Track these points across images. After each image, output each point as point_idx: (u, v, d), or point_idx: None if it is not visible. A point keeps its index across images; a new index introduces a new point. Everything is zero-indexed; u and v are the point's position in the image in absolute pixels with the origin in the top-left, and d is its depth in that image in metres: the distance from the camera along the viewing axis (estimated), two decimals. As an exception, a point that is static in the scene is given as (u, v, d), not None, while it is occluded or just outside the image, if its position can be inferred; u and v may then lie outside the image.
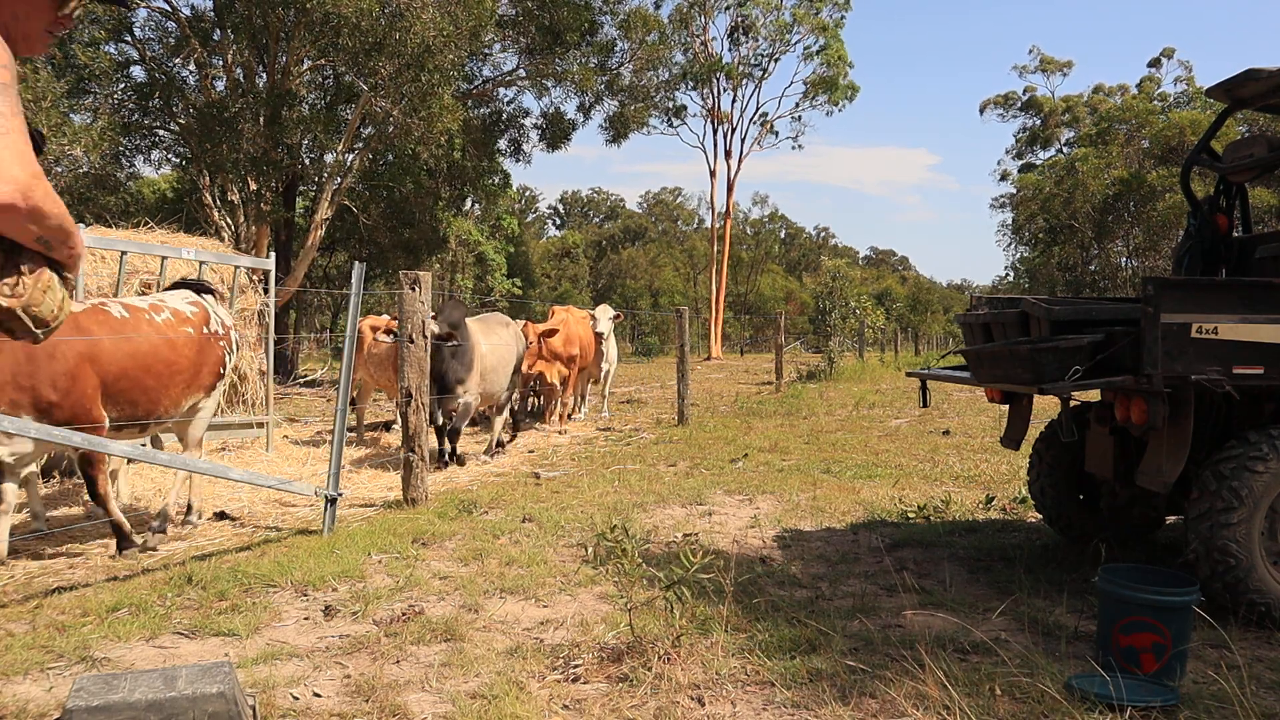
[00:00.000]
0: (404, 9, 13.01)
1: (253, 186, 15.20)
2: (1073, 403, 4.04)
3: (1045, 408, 6.84)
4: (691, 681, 2.73)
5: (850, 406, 11.78)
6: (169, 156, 17.22)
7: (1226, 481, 3.18)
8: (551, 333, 9.06)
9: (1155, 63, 43.62)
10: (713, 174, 34.28)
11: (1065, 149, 43.31)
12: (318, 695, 2.69)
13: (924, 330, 48.11)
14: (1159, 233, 32.62)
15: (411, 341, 5.42)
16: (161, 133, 16.35)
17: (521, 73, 19.49)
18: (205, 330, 4.92)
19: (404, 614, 3.37)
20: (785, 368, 15.80)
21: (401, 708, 2.57)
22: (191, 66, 15.58)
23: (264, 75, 15.18)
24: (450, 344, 6.55)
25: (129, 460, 5.81)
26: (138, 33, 15.88)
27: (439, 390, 6.75)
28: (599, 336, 10.32)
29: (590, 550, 4.01)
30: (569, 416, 10.45)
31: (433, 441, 6.67)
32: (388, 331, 7.20)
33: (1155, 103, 38.28)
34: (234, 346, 5.23)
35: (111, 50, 15.33)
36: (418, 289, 5.45)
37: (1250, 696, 2.48)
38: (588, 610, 3.47)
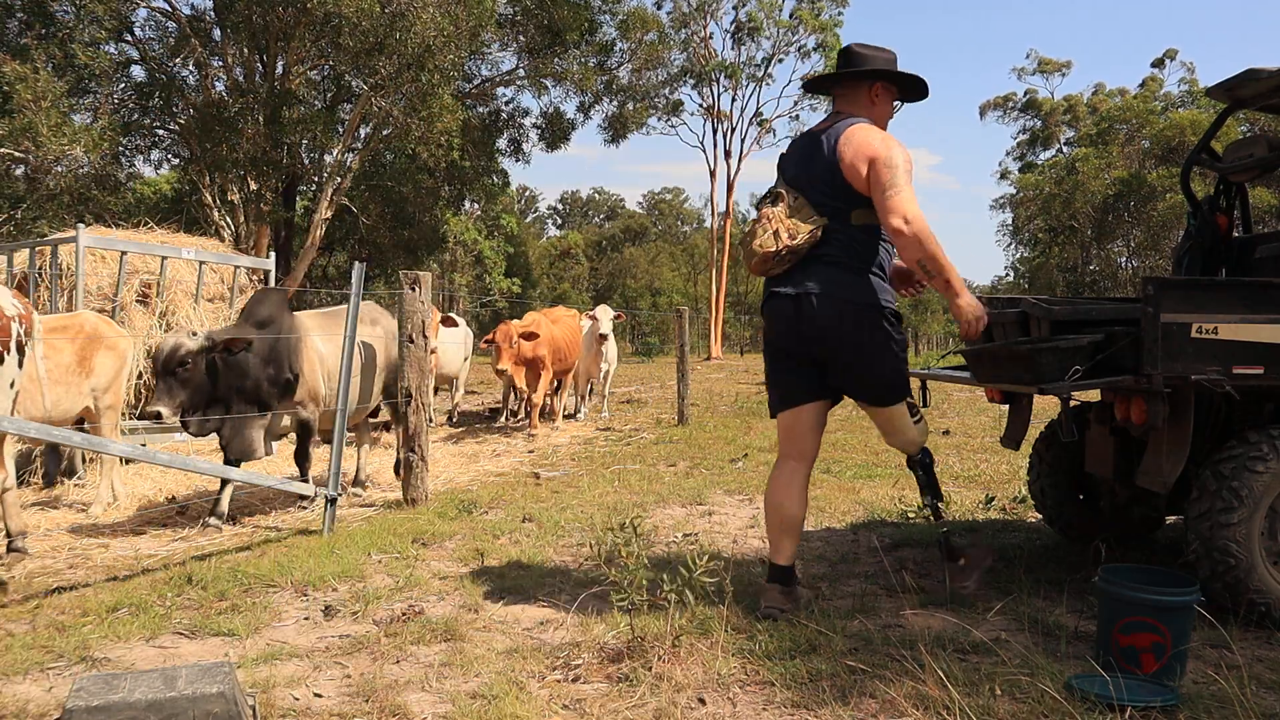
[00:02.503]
0: (405, 9, 13.01)
1: (252, 186, 15.19)
2: (1073, 403, 4.04)
3: (1045, 408, 6.84)
4: (691, 681, 2.73)
5: (850, 406, 11.75)
6: (168, 157, 17.22)
7: (1226, 481, 3.18)
8: (530, 335, 8.81)
9: (1159, 63, 43.64)
10: (712, 174, 34.28)
11: (1065, 149, 43.31)
12: (318, 695, 2.69)
13: (924, 330, 48.12)
14: (1159, 233, 32.62)
15: (411, 341, 5.42)
16: (161, 132, 16.34)
17: (521, 72, 19.49)
18: None
19: (404, 614, 3.37)
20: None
21: (401, 708, 2.57)
22: (191, 66, 15.58)
23: (263, 75, 15.18)
24: (238, 352, 4.92)
25: (126, 461, 5.82)
26: (138, 32, 15.89)
27: (255, 407, 5.15)
28: (601, 337, 10.32)
29: (595, 548, 4.01)
30: (557, 416, 10.22)
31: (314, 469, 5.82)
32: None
33: (1156, 103, 38.29)
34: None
35: (112, 50, 15.33)
36: (418, 289, 5.45)
37: (1250, 696, 2.48)
38: (588, 610, 3.47)
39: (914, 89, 3.49)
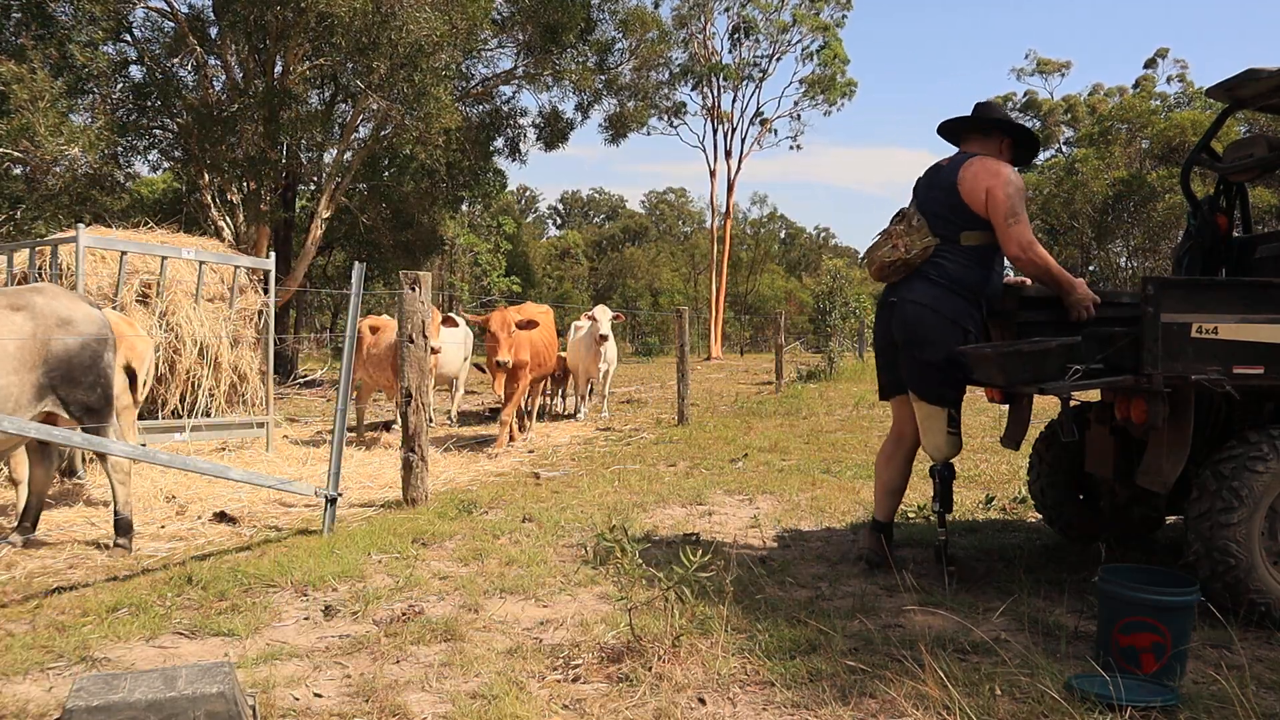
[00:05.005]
0: (396, 9, 13.00)
1: (251, 186, 15.19)
2: (1073, 403, 4.04)
3: (1045, 408, 6.84)
4: (691, 681, 2.73)
5: (850, 406, 11.78)
6: (164, 161, 17.21)
7: (1226, 481, 3.18)
8: (530, 324, 7.94)
9: (1151, 63, 43.67)
10: (713, 174, 34.27)
11: (1065, 149, 43.32)
12: (318, 695, 2.69)
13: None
14: (1159, 233, 32.61)
15: (411, 341, 5.42)
16: (159, 133, 16.34)
17: (519, 71, 19.48)
18: None
19: (404, 614, 3.37)
20: (785, 368, 15.79)
21: (401, 708, 2.57)
22: (190, 66, 15.57)
23: (262, 75, 15.18)
24: None
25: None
26: (136, 33, 15.87)
27: None
28: (601, 338, 10.32)
29: (590, 550, 4.02)
30: (529, 426, 9.20)
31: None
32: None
33: (1155, 103, 38.29)
34: None
35: (109, 50, 15.31)
36: (418, 289, 5.45)
37: (1250, 696, 2.48)
38: (588, 610, 3.47)
39: (1029, 152, 4.05)
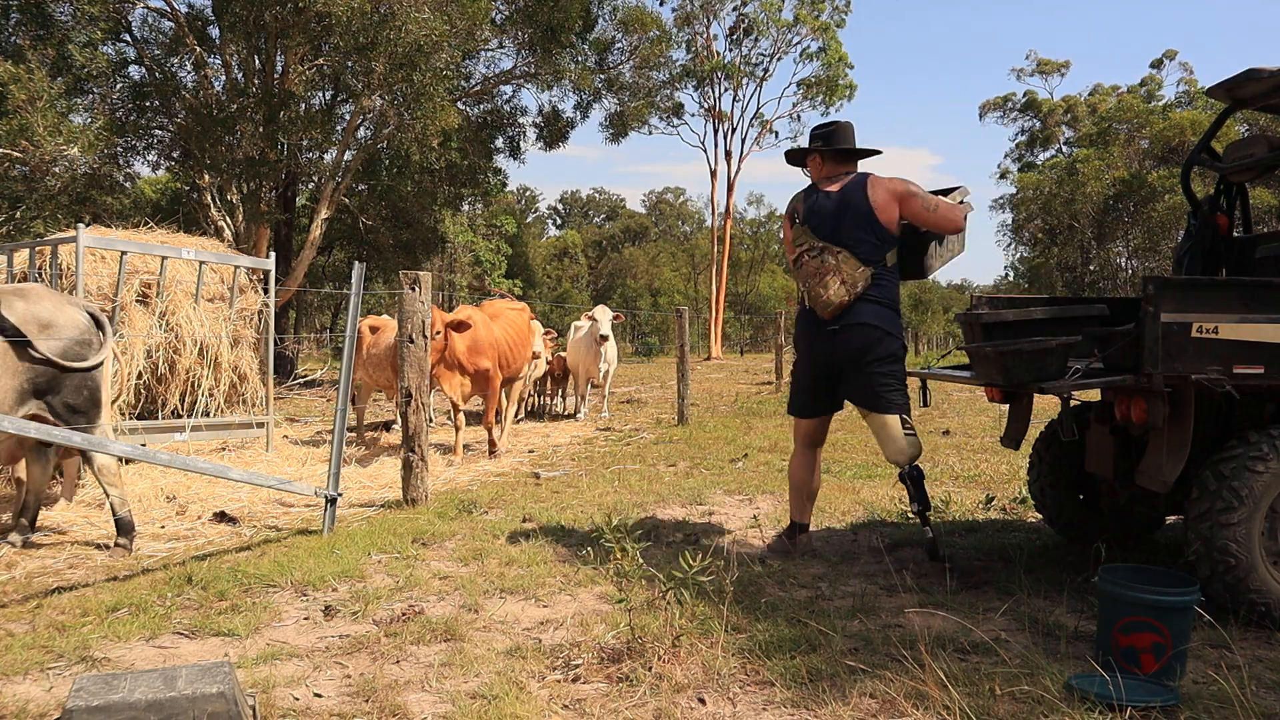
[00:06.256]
0: (395, 9, 13.00)
1: (251, 186, 15.18)
2: (1073, 402, 4.04)
3: (1045, 408, 6.84)
4: (691, 681, 2.73)
5: (850, 406, 11.77)
6: (164, 161, 17.21)
7: (1227, 481, 3.18)
8: (460, 325, 7.05)
9: (1157, 64, 43.68)
10: (713, 174, 34.25)
11: (1064, 149, 43.33)
12: (318, 695, 2.69)
13: (924, 330, 48.13)
14: (1159, 233, 32.63)
15: (411, 341, 5.42)
16: (159, 133, 16.34)
17: (518, 71, 19.47)
18: None
19: (404, 614, 3.37)
20: (785, 368, 15.78)
21: (401, 708, 2.57)
22: (189, 66, 15.57)
23: (262, 75, 15.17)
24: None
25: (126, 461, 5.82)
26: (135, 32, 15.87)
27: None
28: (602, 338, 10.32)
29: (590, 550, 4.02)
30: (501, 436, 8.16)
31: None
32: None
33: (1155, 103, 38.31)
34: None
35: (108, 50, 15.31)
36: (418, 289, 5.45)
37: (1250, 696, 2.48)
38: (588, 610, 3.47)
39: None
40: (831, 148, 4.15)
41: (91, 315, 4.44)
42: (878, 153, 4.22)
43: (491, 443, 7.79)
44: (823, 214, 4.03)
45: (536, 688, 2.72)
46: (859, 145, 4.19)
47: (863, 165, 4.24)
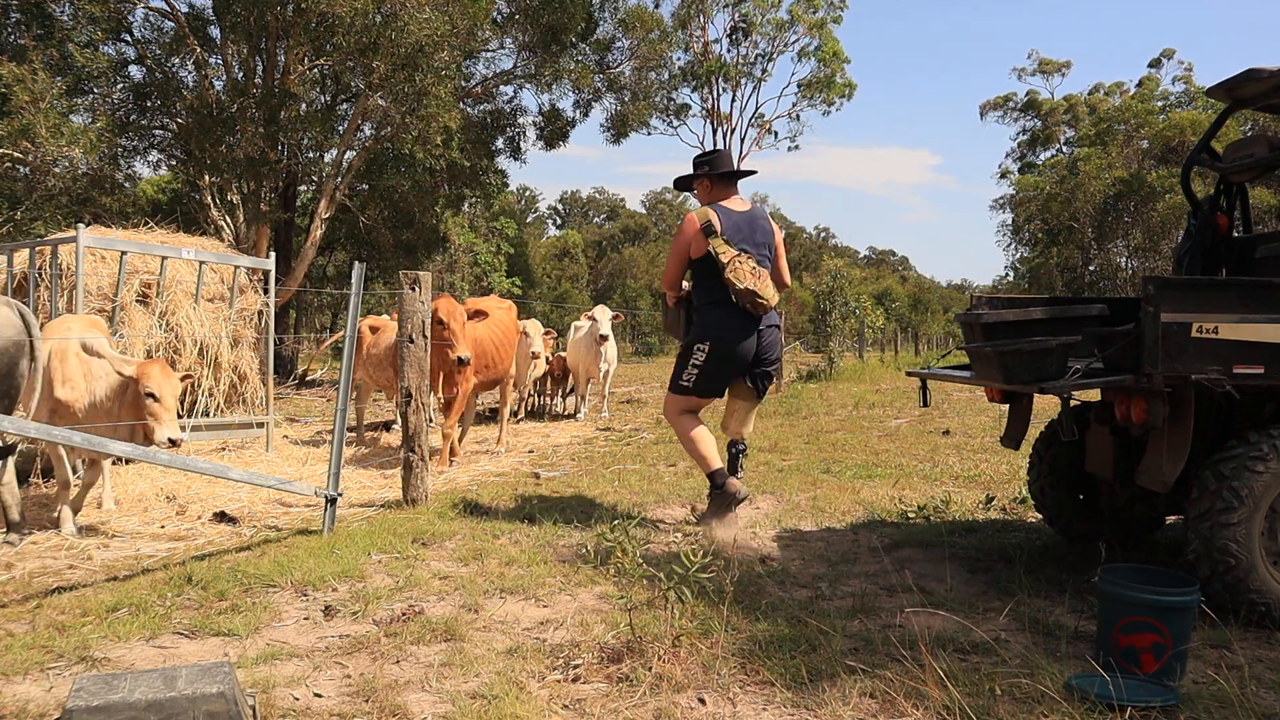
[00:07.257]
0: (398, 9, 13.00)
1: (251, 186, 15.18)
2: (1073, 402, 4.04)
3: (1045, 408, 6.84)
4: (691, 681, 2.73)
5: (850, 406, 11.78)
6: (164, 161, 17.21)
7: (1227, 481, 3.18)
8: (479, 314, 6.87)
9: (1156, 63, 43.68)
10: (713, 174, 34.25)
11: (1065, 149, 43.31)
12: (318, 695, 2.69)
13: (924, 330, 48.08)
14: (1159, 233, 32.61)
15: (411, 341, 5.42)
16: (159, 133, 16.33)
17: (519, 71, 19.47)
18: None
19: (404, 614, 3.37)
20: (785, 368, 15.79)
21: (401, 708, 2.57)
22: (190, 66, 15.57)
23: (262, 75, 15.17)
24: None
25: (126, 461, 5.82)
26: (136, 33, 15.87)
27: None
28: (601, 338, 10.32)
29: (590, 550, 4.02)
30: (461, 445, 7.58)
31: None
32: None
33: (1155, 103, 38.29)
34: None
35: (109, 50, 15.31)
36: (418, 289, 5.45)
37: (1250, 696, 2.48)
38: (588, 610, 3.47)
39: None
40: (718, 171, 4.89)
41: (20, 312, 4.35)
42: (753, 172, 5.47)
43: (452, 450, 7.09)
44: (741, 229, 4.76)
45: (536, 688, 2.72)
46: (738, 168, 5.05)
47: (743, 185, 5.12)
